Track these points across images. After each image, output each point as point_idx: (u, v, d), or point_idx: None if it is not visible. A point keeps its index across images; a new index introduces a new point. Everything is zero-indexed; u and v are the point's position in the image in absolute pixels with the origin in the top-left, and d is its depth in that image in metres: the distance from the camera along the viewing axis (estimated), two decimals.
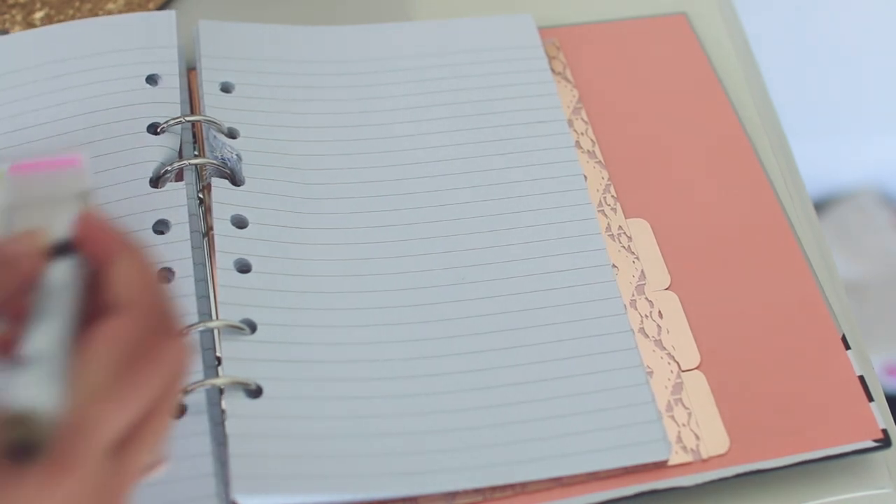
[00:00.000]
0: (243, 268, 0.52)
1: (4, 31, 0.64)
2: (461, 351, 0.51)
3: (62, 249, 0.39)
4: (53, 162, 0.45)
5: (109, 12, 0.65)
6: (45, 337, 0.36)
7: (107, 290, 0.38)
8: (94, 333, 0.37)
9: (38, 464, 0.35)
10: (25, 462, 0.34)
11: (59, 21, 0.64)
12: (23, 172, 0.46)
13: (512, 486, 0.48)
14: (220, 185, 0.55)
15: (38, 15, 0.65)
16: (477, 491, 0.48)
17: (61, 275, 0.38)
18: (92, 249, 0.39)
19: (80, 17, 0.65)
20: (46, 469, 0.35)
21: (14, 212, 0.44)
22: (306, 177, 0.57)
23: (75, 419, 0.36)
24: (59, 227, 0.41)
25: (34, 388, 0.34)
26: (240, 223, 0.54)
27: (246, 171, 0.56)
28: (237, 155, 0.56)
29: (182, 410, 0.48)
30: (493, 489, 0.48)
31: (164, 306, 0.39)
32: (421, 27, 0.64)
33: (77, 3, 0.65)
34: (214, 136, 0.57)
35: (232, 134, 0.57)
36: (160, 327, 0.39)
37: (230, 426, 0.48)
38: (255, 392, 0.49)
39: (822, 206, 1.43)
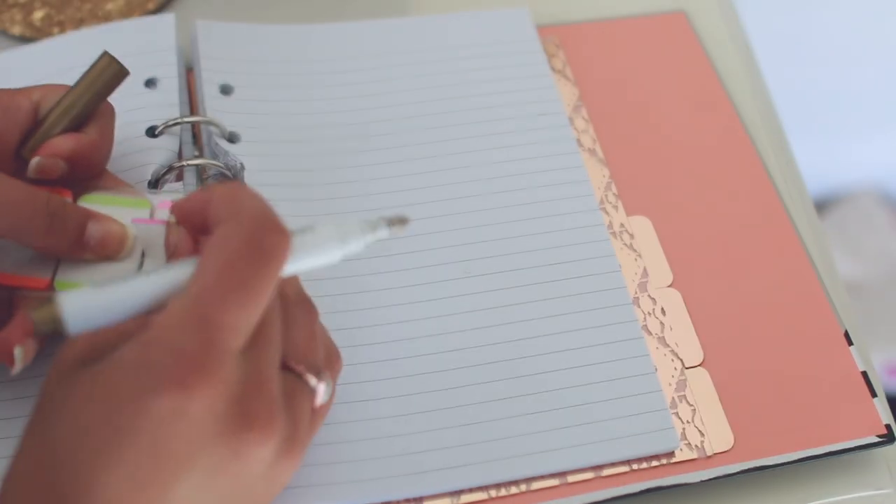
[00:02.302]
0: None
1: (4, 32, 0.64)
2: (466, 346, 0.51)
3: None
4: None
5: (109, 12, 0.65)
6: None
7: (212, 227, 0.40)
8: (203, 246, 0.39)
9: (172, 372, 0.36)
10: None
11: (59, 20, 0.65)
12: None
13: (517, 485, 0.48)
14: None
15: (38, 15, 0.65)
16: (482, 489, 0.48)
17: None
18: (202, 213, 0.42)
19: (79, 17, 0.65)
20: (183, 376, 0.36)
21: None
22: (309, 178, 0.56)
23: (200, 322, 0.37)
24: None
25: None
26: None
27: (248, 178, 0.55)
28: (240, 164, 0.56)
29: None
30: (499, 487, 0.48)
31: (264, 211, 0.40)
32: (418, 22, 0.64)
33: (77, 3, 0.65)
34: (216, 144, 0.57)
35: (233, 138, 0.57)
36: (264, 227, 0.40)
37: None
38: None
39: (822, 206, 1.43)
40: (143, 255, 0.48)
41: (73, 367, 0.38)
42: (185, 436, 0.37)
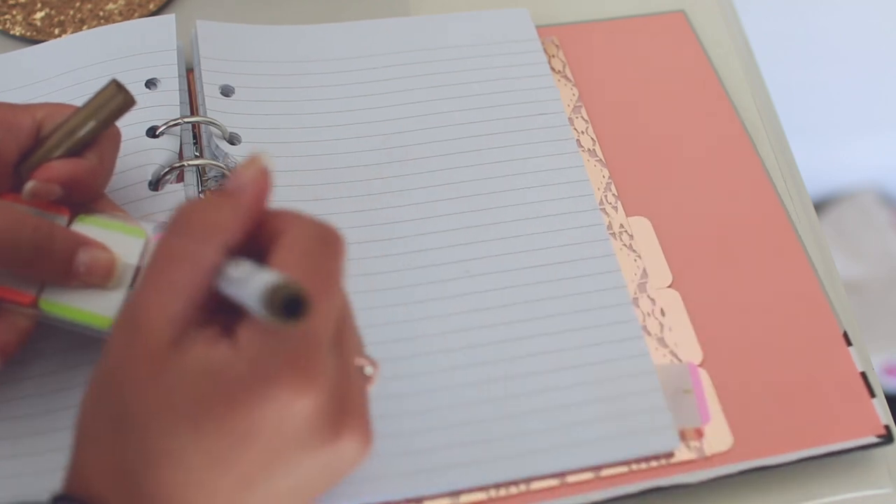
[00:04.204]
0: None
1: (5, 32, 0.64)
2: (466, 345, 0.52)
3: None
4: None
5: (109, 12, 0.65)
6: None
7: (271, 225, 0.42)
8: (276, 250, 0.40)
9: (282, 371, 0.38)
10: (294, 318, 0.37)
11: (60, 21, 0.65)
12: None
13: (517, 485, 0.48)
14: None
15: (39, 15, 0.65)
16: (482, 489, 0.48)
17: None
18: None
19: (80, 17, 0.65)
20: (292, 376, 0.38)
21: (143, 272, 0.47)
22: (310, 179, 0.57)
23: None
24: None
25: (274, 274, 0.38)
26: None
27: None
28: None
29: None
30: (498, 487, 0.48)
31: (313, 217, 0.42)
32: (419, 22, 0.64)
33: (77, 3, 0.66)
34: (217, 146, 0.57)
35: (233, 139, 0.57)
36: (324, 227, 0.41)
37: None
38: None
39: (821, 205, 1.43)
40: (135, 276, 0.48)
41: (162, 348, 0.39)
42: (289, 433, 0.38)
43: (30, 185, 0.48)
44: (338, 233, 0.41)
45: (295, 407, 0.38)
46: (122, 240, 0.48)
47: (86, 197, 0.50)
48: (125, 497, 0.38)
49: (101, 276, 0.47)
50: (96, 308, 0.47)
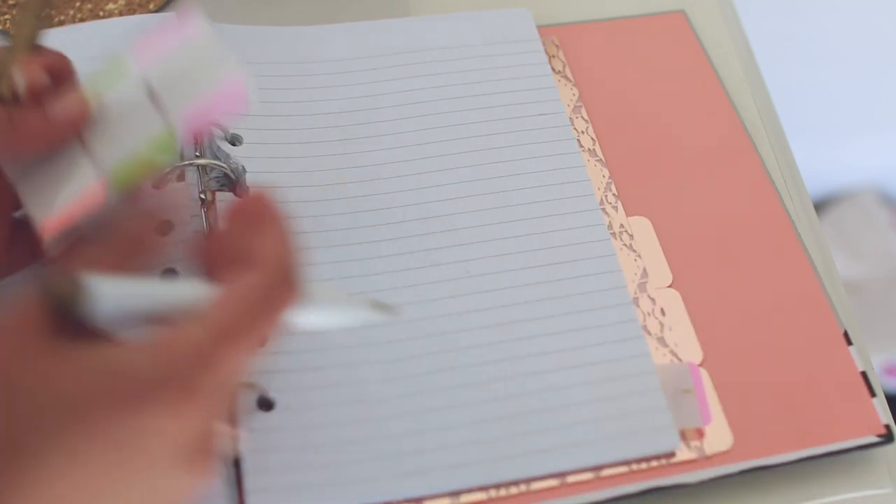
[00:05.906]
0: None
1: (5, 32, 0.64)
2: (466, 345, 0.52)
3: None
4: (170, 31, 0.46)
5: (110, 12, 0.65)
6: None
7: (251, 249, 0.42)
8: (229, 282, 0.40)
9: (170, 390, 0.37)
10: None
11: (60, 21, 0.65)
12: (146, 48, 0.46)
13: (517, 485, 0.48)
14: (223, 200, 0.55)
15: None
16: (482, 490, 0.48)
17: None
18: (244, 216, 0.43)
19: (80, 17, 0.65)
20: (178, 399, 0.38)
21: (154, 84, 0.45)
22: (311, 180, 0.57)
23: (207, 359, 0.38)
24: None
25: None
26: None
27: (250, 181, 0.56)
28: (242, 166, 0.56)
29: None
30: (498, 488, 0.48)
31: (287, 261, 0.42)
32: (419, 22, 0.64)
33: (78, 3, 0.66)
34: (218, 147, 0.57)
35: (235, 141, 0.57)
36: (284, 280, 0.41)
37: (245, 442, 0.48)
38: (268, 405, 0.49)
39: (821, 205, 1.43)
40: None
41: (43, 333, 0.38)
42: (151, 451, 0.38)
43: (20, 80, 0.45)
44: (292, 291, 0.41)
45: (164, 424, 0.37)
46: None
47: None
48: None
49: (77, 123, 0.45)
50: (148, 131, 0.45)
